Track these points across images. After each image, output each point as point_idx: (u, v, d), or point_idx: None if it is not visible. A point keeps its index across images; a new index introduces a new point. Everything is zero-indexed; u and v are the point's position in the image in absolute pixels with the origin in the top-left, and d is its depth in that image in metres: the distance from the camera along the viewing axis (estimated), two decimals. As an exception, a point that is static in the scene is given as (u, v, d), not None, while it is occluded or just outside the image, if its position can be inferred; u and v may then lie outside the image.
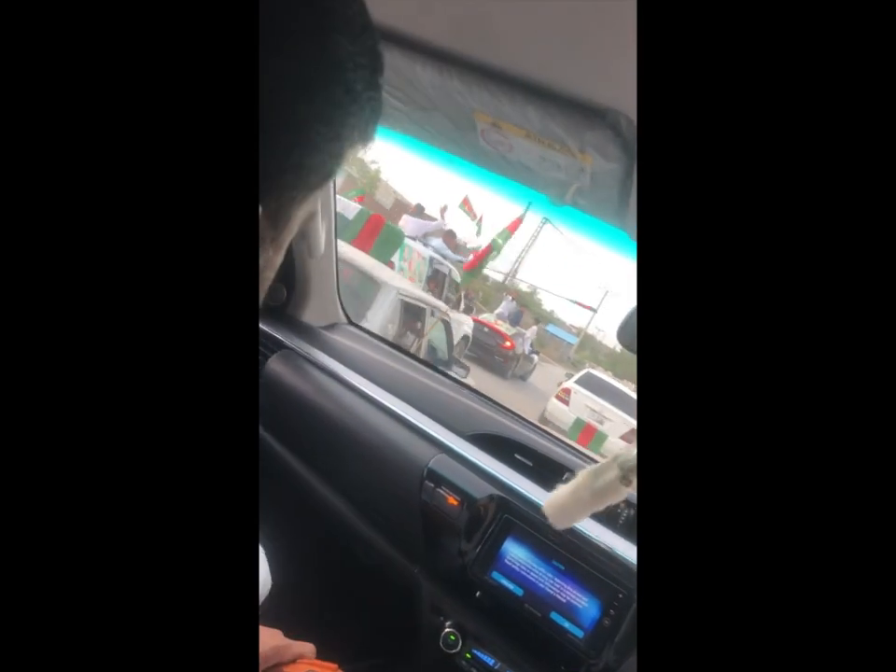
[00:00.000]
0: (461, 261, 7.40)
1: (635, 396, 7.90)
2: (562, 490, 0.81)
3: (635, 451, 0.76)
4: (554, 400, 8.02)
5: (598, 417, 7.58)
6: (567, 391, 7.97)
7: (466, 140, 0.66)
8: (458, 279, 6.92)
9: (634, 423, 6.82)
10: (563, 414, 7.69)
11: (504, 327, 11.80)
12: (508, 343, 11.09)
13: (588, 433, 7.35)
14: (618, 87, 0.49)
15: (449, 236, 7.29)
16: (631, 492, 0.81)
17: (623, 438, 7.26)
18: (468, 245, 10.57)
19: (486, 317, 12.41)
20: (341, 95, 0.33)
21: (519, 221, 6.99)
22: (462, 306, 8.11)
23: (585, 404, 7.71)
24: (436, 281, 6.37)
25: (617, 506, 1.05)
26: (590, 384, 8.08)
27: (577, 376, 8.58)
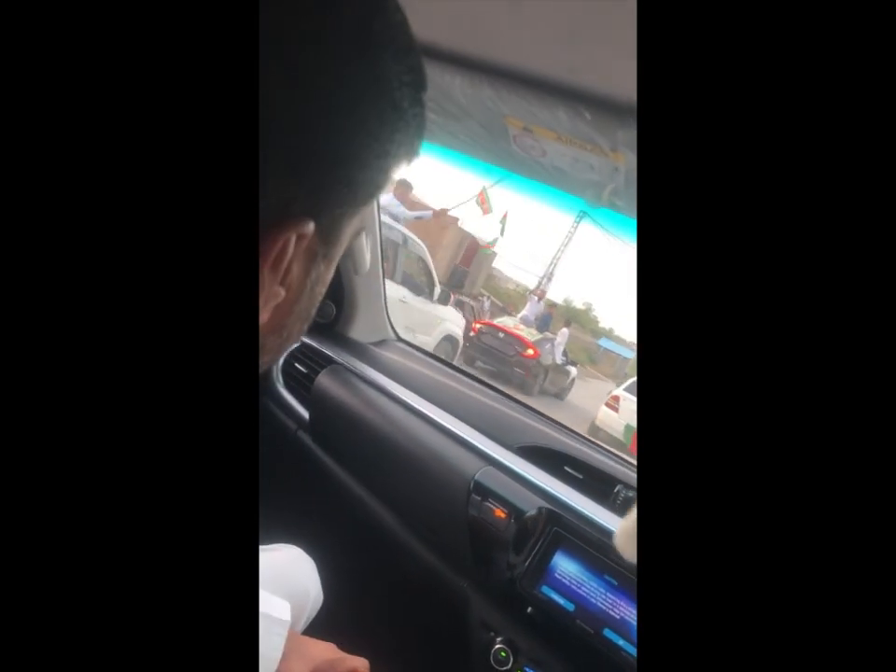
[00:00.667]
0: (420, 218, 5.95)
1: None
2: (628, 519, 0.80)
3: None
4: (605, 408, 7.93)
5: None
6: (617, 398, 7.83)
7: (499, 147, 0.66)
8: (424, 254, 5.20)
9: None
10: (613, 422, 7.58)
11: (527, 332, 9.86)
12: (530, 352, 9.24)
13: None
14: None
15: (401, 187, 5.29)
16: None
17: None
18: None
19: (504, 321, 10.51)
20: (388, 112, 0.34)
21: (482, 196, 6.35)
22: (451, 300, 6.40)
23: (634, 410, 7.49)
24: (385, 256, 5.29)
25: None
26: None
27: (626, 384, 8.36)
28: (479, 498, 1.05)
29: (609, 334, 33.12)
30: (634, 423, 7.29)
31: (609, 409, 7.85)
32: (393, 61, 0.33)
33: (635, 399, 7.74)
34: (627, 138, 0.52)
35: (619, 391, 8.05)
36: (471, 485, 1.07)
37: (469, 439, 1.16)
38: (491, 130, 0.64)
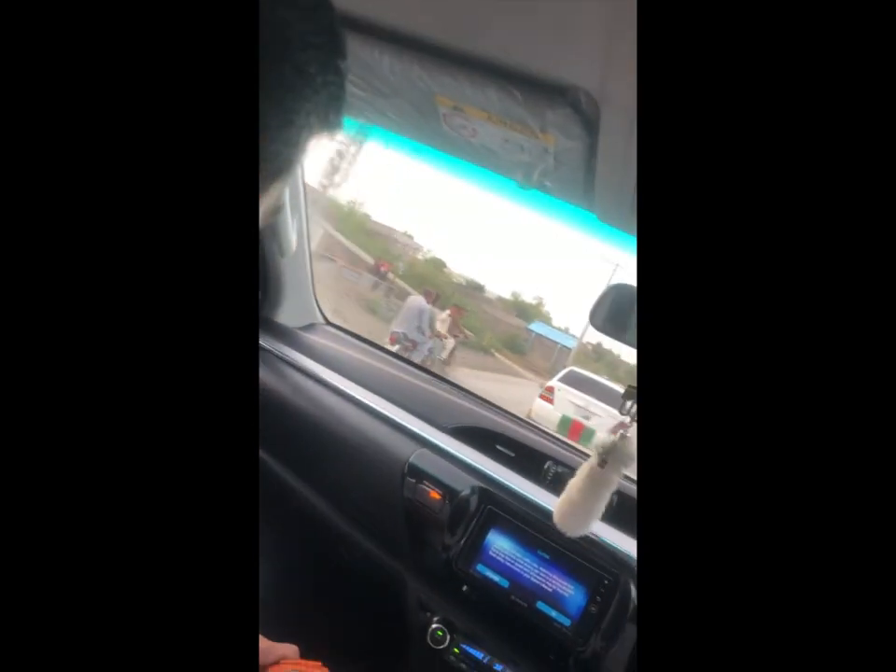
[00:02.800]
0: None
1: (620, 389, 7.77)
2: (563, 498, 0.82)
3: (609, 435, 0.77)
4: (539, 400, 7.86)
5: (584, 413, 7.47)
6: (552, 389, 7.83)
7: (429, 126, 0.65)
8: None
9: (621, 416, 6.72)
10: (549, 413, 7.53)
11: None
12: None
13: (575, 430, 7.30)
14: (577, 64, 0.48)
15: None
16: (621, 480, 0.81)
17: (611, 432, 6.95)
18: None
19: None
20: (291, 76, 0.32)
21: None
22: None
23: (570, 401, 7.59)
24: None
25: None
26: (574, 380, 7.95)
27: (560, 374, 8.39)
28: (413, 481, 1.05)
29: (524, 308, 29.54)
30: (570, 414, 7.43)
31: (544, 401, 7.78)
32: (295, 17, 0.31)
33: (571, 389, 7.51)
34: (557, 119, 0.52)
35: (554, 381, 8.05)
36: (405, 468, 1.06)
37: (402, 422, 1.15)
38: (421, 108, 0.62)
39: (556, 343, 23.15)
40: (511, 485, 1.06)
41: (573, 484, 0.79)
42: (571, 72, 0.49)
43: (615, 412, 7.15)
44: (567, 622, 0.94)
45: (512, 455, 1.17)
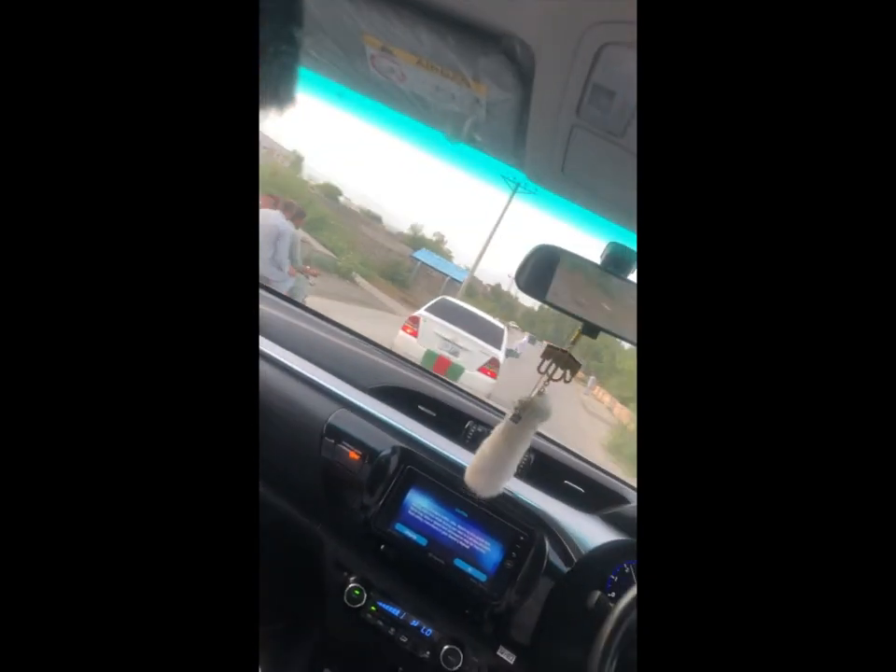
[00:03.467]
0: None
1: (495, 323, 7.33)
2: (476, 455, 0.82)
3: (527, 394, 0.77)
4: (402, 332, 6.75)
5: (452, 348, 6.43)
6: (416, 320, 6.73)
7: (355, 68, 0.61)
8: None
9: (494, 352, 6.35)
10: (411, 347, 6.41)
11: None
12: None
13: (441, 367, 6.25)
14: (515, 11, 0.46)
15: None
16: (534, 437, 0.82)
17: (482, 370, 6.38)
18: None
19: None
20: None
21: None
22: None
23: (437, 333, 6.49)
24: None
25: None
26: (444, 311, 6.84)
27: (429, 303, 7.17)
28: (332, 441, 1.03)
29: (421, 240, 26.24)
30: (435, 349, 6.48)
31: (407, 333, 6.71)
32: None
33: (439, 320, 6.49)
34: (490, 67, 0.50)
35: (421, 312, 6.94)
36: (324, 429, 1.04)
37: (321, 382, 1.12)
38: (347, 48, 0.58)
39: (445, 275, 19.84)
40: (431, 445, 1.06)
41: (487, 441, 0.80)
42: (508, 19, 0.47)
43: (490, 347, 6.48)
44: (483, 577, 0.96)
45: (434, 415, 1.17)
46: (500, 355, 6.57)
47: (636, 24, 0.36)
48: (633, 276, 0.74)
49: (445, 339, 6.49)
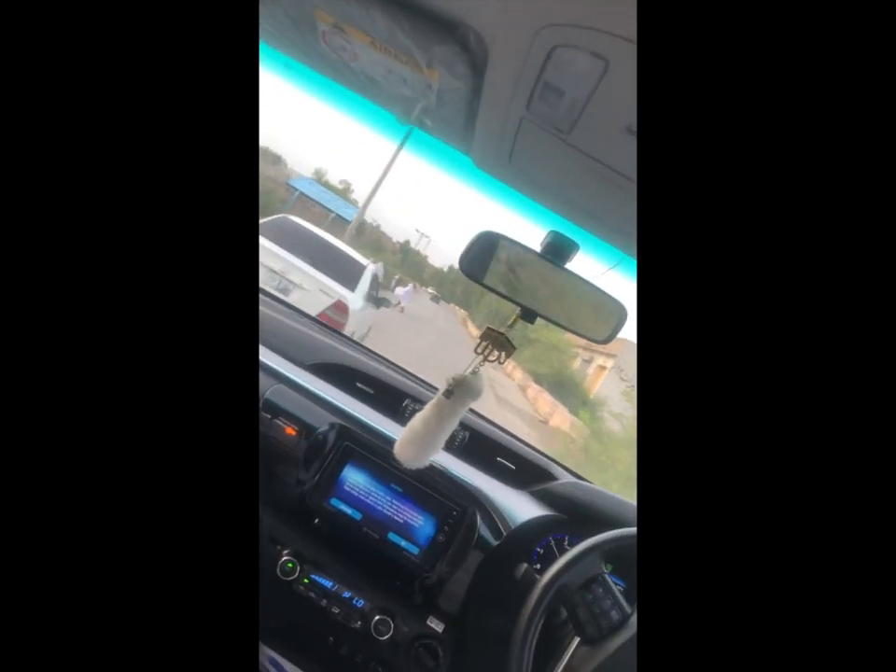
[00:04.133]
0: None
1: (356, 257, 5.20)
2: (406, 428, 0.83)
3: (460, 371, 0.79)
4: None
5: (282, 284, 4.63)
6: None
7: (306, 42, 0.60)
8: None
9: (342, 293, 4.69)
10: None
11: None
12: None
13: None
14: (472, 1, 0.47)
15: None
16: (466, 413, 0.84)
17: (322, 317, 4.38)
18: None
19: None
20: None
21: None
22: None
23: (263, 263, 4.61)
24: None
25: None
26: (280, 234, 4.95)
27: (262, 220, 5.15)
28: (269, 416, 1.02)
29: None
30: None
31: None
32: None
33: (269, 244, 4.59)
34: (444, 55, 0.50)
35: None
36: (261, 404, 1.03)
37: (258, 357, 1.11)
38: (298, 21, 0.57)
39: (330, 211, 16.12)
40: (368, 422, 1.07)
41: (419, 415, 0.82)
42: (465, 10, 0.48)
43: (338, 287, 4.74)
44: (415, 550, 0.99)
45: (372, 392, 1.18)
46: (353, 299, 4.89)
47: (589, 30, 0.38)
48: (570, 265, 0.77)
49: (273, 270, 4.68)
